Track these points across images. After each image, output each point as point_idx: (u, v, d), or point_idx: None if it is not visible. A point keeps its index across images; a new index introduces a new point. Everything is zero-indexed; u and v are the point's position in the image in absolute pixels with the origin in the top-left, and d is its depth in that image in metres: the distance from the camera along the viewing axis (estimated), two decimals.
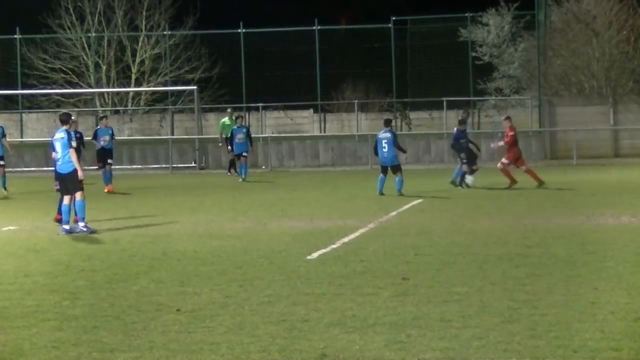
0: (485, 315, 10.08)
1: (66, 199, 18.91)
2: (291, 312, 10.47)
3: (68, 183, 18.91)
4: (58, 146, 19.03)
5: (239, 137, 34.04)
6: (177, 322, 10.09)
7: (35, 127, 53.17)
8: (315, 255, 15.00)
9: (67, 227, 18.63)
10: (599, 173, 33.99)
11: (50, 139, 20.22)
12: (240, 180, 33.59)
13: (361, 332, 9.46)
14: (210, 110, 55.70)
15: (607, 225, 18.48)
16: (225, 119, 38.04)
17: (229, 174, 37.42)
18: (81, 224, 18.67)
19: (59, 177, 19.13)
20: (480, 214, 21.10)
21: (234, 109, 40.37)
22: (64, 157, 18.91)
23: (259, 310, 10.62)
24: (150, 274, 13.39)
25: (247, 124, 43.92)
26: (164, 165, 42.87)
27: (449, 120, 46.19)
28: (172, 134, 49.22)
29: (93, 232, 18.54)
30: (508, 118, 29.34)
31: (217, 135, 39.37)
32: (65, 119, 19.52)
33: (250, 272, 13.40)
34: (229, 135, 35.45)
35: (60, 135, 19.13)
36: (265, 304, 11.00)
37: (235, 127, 34.83)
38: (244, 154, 34.04)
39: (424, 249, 15.39)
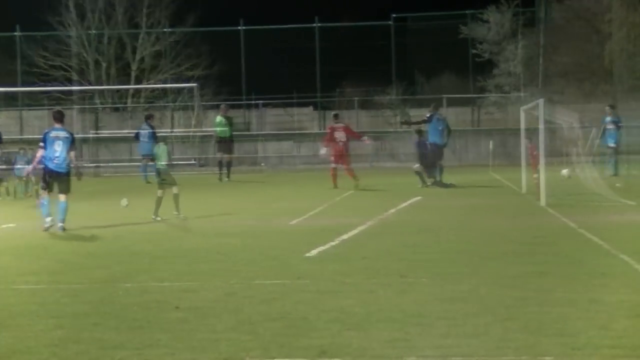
0: (486, 313, 10.04)
1: (45, 194, 18.93)
2: (291, 310, 10.44)
3: (61, 183, 18.88)
4: (59, 144, 18.80)
5: (145, 137, 32.72)
6: (178, 320, 10.06)
7: (35, 125, 53.16)
8: (314, 252, 14.98)
9: (49, 219, 18.76)
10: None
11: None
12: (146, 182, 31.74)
13: (361, 329, 9.43)
14: (211, 107, 55.77)
15: (613, 222, 18.45)
16: (218, 117, 35.68)
17: (225, 179, 34.39)
18: (60, 224, 18.71)
19: (53, 174, 18.94)
20: (481, 211, 21.07)
21: (230, 106, 39.40)
22: (66, 156, 18.80)
23: (259, 308, 10.59)
24: (150, 272, 13.37)
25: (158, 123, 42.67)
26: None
27: (449, 118, 46.06)
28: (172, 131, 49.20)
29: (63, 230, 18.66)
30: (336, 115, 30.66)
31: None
32: (60, 117, 19.35)
33: (250, 269, 13.38)
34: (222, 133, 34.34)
35: (63, 134, 18.91)
36: (266, 301, 10.98)
37: (144, 125, 33.57)
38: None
39: (424, 246, 15.36)
